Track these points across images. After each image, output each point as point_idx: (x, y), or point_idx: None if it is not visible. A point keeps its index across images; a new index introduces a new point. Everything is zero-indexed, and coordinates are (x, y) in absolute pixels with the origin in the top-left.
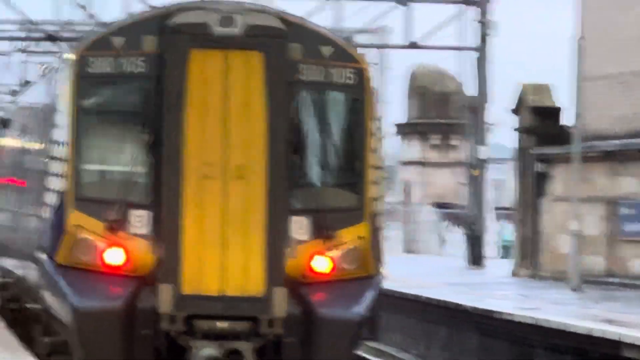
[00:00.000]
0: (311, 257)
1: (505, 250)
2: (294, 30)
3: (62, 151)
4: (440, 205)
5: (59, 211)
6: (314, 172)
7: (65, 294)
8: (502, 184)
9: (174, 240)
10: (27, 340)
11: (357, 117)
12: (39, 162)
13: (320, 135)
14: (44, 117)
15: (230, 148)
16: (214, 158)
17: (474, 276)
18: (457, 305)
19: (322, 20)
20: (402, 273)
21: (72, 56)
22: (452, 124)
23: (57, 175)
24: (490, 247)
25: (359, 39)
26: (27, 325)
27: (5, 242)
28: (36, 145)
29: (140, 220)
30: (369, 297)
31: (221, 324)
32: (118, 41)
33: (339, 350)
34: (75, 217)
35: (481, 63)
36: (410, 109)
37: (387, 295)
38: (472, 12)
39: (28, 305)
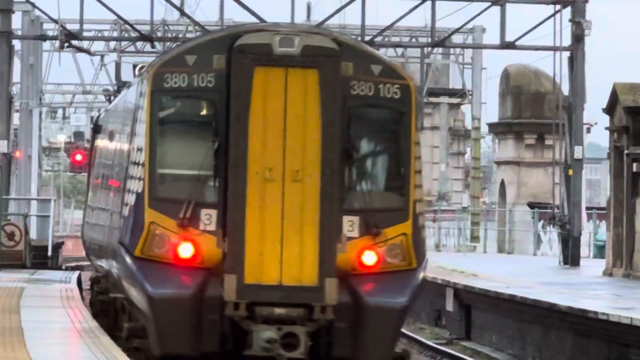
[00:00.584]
0: (360, 252)
1: (599, 250)
2: (347, 50)
3: (140, 156)
4: (534, 205)
5: (137, 210)
6: (364, 177)
7: (141, 283)
8: (597, 183)
9: (238, 236)
10: (114, 328)
11: (402, 128)
12: (122, 166)
13: (369, 143)
14: (127, 125)
15: (288, 154)
16: (274, 163)
17: (568, 276)
18: (552, 305)
19: (417, 20)
20: (497, 273)
21: (150, 71)
22: (547, 124)
23: (135, 177)
24: (583, 247)
25: (454, 38)
26: (115, 314)
27: (101, 239)
28: (120, 150)
29: (208, 218)
30: (411, 287)
31: (279, 310)
32: (191, 59)
33: (385, 335)
34: (150, 215)
35: (575, 63)
36: (504, 109)
37: (482, 295)
38: (568, 11)
39: (112, 295)
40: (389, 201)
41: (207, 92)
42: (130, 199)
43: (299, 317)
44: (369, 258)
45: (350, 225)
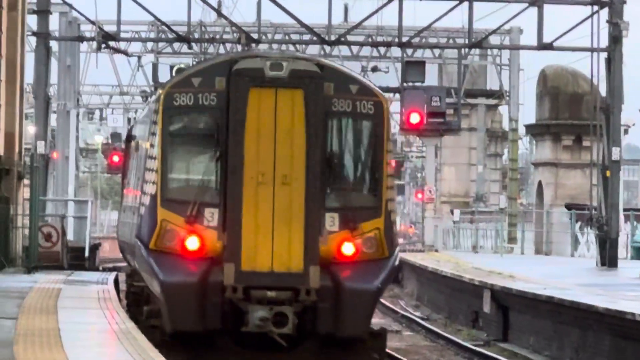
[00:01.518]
0: (340, 244)
1: (637, 252)
2: (328, 72)
3: (154, 164)
4: (572, 207)
5: (151, 209)
6: (343, 180)
7: (155, 271)
8: (634, 185)
9: (235, 231)
10: (141, 313)
11: (376, 138)
12: (141, 172)
13: (347, 152)
14: (146, 136)
15: (278, 161)
16: (266, 169)
17: (606, 277)
18: (590, 306)
19: (455, 21)
20: (535, 274)
21: (162, 91)
22: (585, 125)
23: (150, 182)
24: (621, 249)
25: (491, 39)
26: (141, 301)
27: (128, 236)
28: (140, 158)
29: (211, 216)
30: (383, 273)
31: (270, 293)
32: (196, 81)
33: (361, 313)
34: (162, 214)
35: (613, 64)
36: (541, 110)
37: (520, 297)
38: (605, 12)
39: (135, 284)
40: (365, 200)
41: (210, 109)
42: (146, 200)
43: (287, 299)
44: (348, 249)
45: (331, 221)
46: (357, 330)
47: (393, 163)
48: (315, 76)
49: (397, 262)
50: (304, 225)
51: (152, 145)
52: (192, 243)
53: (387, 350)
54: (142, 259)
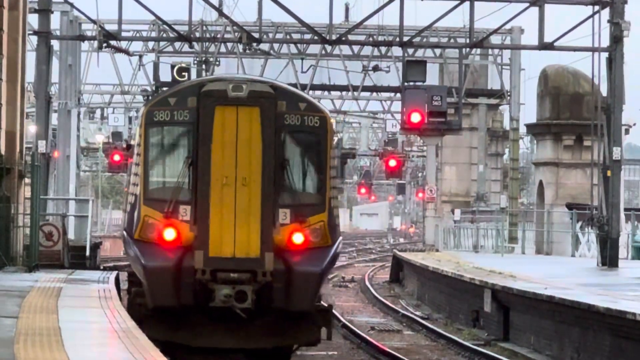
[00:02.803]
0: (291, 234)
1: (637, 252)
2: (281, 93)
3: (138, 169)
4: (573, 206)
5: (135, 206)
6: (294, 181)
7: (139, 257)
8: (635, 184)
9: (204, 224)
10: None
11: (321, 147)
12: (129, 175)
13: (297, 158)
14: (134, 146)
15: (239, 167)
16: (229, 173)
17: (607, 277)
18: (590, 306)
19: (456, 20)
20: (536, 274)
21: (144, 109)
22: (586, 125)
23: (135, 184)
24: (622, 248)
25: (492, 39)
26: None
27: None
28: (130, 164)
29: (184, 212)
30: (327, 259)
31: (233, 275)
32: (172, 100)
33: (309, 291)
34: (145, 210)
35: (614, 64)
36: (542, 110)
37: (520, 296)
38: (606, 12)
39: (128, 270)
40: (311, 198)
41: (183, 124)
42: (132, 199)
43: (247, 279)
44: (298, 238)
45: (284, 215)
46: (305, 306)
47: (336, 163)
48: (269, 96)
49: (339, 249)
50: (260, 219)
51: (137, 154)
52: (169, 234)
53: (387, 349)
54: (129, 247)
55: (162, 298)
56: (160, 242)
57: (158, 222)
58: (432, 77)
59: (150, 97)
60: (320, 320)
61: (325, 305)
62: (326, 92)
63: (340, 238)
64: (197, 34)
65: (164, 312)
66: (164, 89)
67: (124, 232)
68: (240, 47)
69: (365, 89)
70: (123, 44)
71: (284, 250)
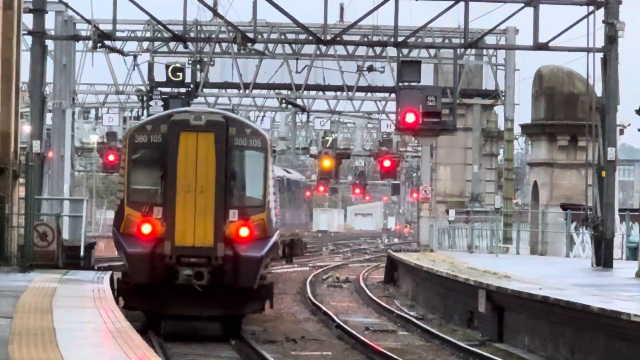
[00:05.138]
0: (238, 228)
1: (632, 252)
2: (232, 121)
3: (123, 179)
4: (567, 207)
5: (121, 207)
6: (240, 189)
7: (123, 246)
8: (630, 185)
9: (172, 221)
10: None
11: (262, 161)
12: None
13: (244, 171)
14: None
15: (198, 178)
16: (190, 182)
17: (601, 278)
18: (585, 306)
19: (450, 20)
20: (530, 274)
21: (128, 133)
22: (581, 125)
23: (121, 190)
24: (616, 249)
25: (487, 39)
26: None
27: None
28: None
29: (157, 211)
30: (266, 247)
31: (193, 259)
32: (149, 127)
33: (252, 272)
34: (128, 210)
35: (608, 64)
36: (537, 110)
37: (515, 297)
38: (601, 13)
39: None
40: (254, 202)
41: (157, 145)
42: (118, 202)
43: (203, 263)
44: (243, 232)
45: (232, 214)
46: (250, 283)
47: (272, 175)
48: (222, 124)
49: (275, 240)
50: (214, 217)
51: (122, 167)
52: (146, 228)
53: (382, 349)
54: (116, 238)
55: (140, 277)
56: (139, 235)
57: (138, 220)
58: (427, 77)
59: (144, 98)
60: (263, 294)
61: (266, 282)
62: (321, 92)
63: (278, 232)
64: (192, 34)
65: (142, 288)
66: (143, 118)
67: (113, 227)
68: (235, 47)
69: (360, 89)
70: (117, 44)
71: (232, 240)
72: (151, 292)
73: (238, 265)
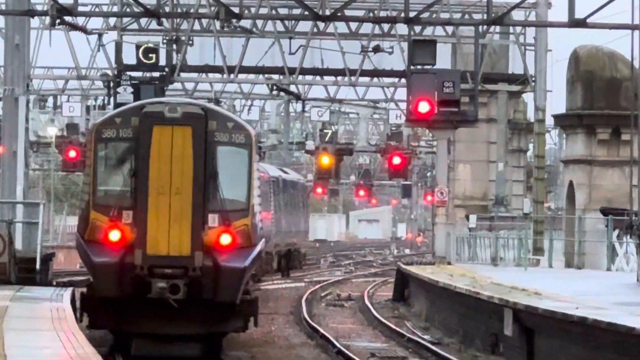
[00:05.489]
0: (219, 235)
1: None
2: (212, 114)
3: (89, 179)
4: (608, 212)
5: (86, 211)
6: (222, 190)
7: (88, 254)
8: None
9: (143, 226)
10: None
11: (246, 159)
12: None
13: (226, 170)
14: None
15: (173, 178)
16: (164, 183)
17: None
18: (630, 329)
19: None
20: (565, 291)
21: (94, 127)
22: (624, 116)
23: (86, 192)
24: None
25: (514, 15)
26: None
27: None
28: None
29: (127, 216)
30: (250, 257)
31: (167, 270)
32: (118, 120)
33: (234, 284)
34: (94, 214)
35: None
36: (573, 98)
37: (547, 317)
38: None
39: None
40: (237, 205)
41: (127, 140)
42: (83, 204)
43: (179, 274)
44: (225, 239)
45: (212, 219)
46: (231, 297)
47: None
48: (200, 117)
49: (261, 249)
50: (191, 222)
51: (87, 166)
52: (114, 235)
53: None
54: (80, 246)
55: (107, 290)
56: (106, 242)
57: (105, 225)
58: (443, 59)
59: (110, 84)
60: (247, 310)
61: (250, 297)
62: (318, 77)
63: (263, 239)
64: (167, 9)
65: (109, 303)
66: (110, 107)
67: (77, 233)
68: (218, 24)
69: (365, 73)
70: (80, 21)
71: (212, 249)
72: (120, 308)
73: (218, 277)
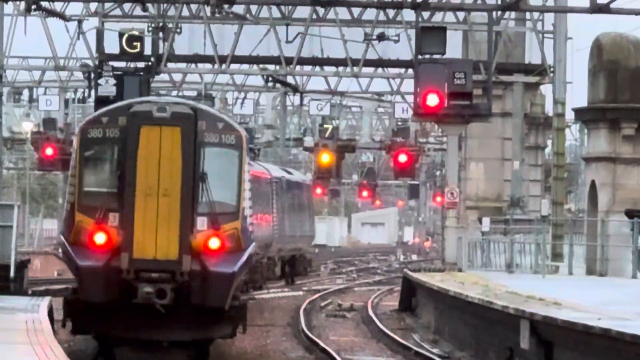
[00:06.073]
0: (207, 239)
1: None
2: (201, 114)
3: (74, 180)
4: (634, 214)
5: (71, 213)
6: (211, 193)
7: (73, 258)
8: None
9: (130, 229)
10: None
11: (236, 161)
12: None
13: (215, 172)
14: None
15: (161, 179)
16: (152, 184)
17: None
18: None
19: None
20: (586, 301)
21: (79, 127)
22: None
23: (70, 193)
24: None
25: (532, 0)
26: None
27: None
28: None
29: (113, 218)
30: (240, 261)
31: (154, 275)
32: (105, 119)
33: (223, 290)
34: (78, 216)
35: None
36: (595, 90)
37: (567, 329)
38: None
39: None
40: (226, 208)
41: (114, 140)
42: (68, 206)
43: (166, 279)
44: (214, 243)
45: (201, 222)
46: (220, 303)
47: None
48: (189, 117)
49: (251, 253)
50: (179, 225)
51: (73, 167)
52: (100, 238)
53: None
54: (64, 249)
55: (92, 294)
56: (92, 245)
57: (90, 227)
58: (454, 48)
59: (91, 75)
60: (236, 315)
61: (239, 303)
62: (318, 68)
63: (254, 243)
64: None
65: (94, 308)
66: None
67: (61, 236)
68: (208, 9)
69: (368, 63)
70: (58, 6)
71: (200, 253)
72: (105, 313)
73: (207, 281)
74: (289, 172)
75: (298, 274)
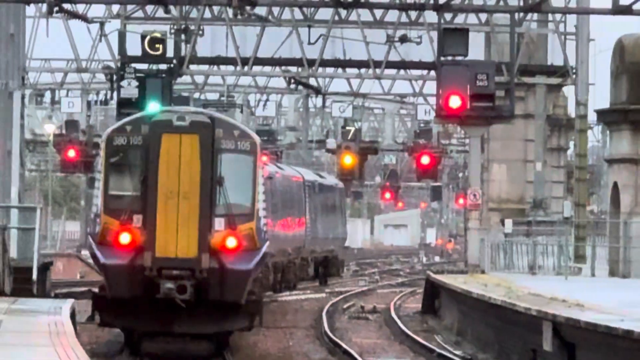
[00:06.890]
0: (224, 238)
1: None
2: (219, 122)
3: (99, 184)
4: None
5: (97, 215)
6: (227, 195)
7: (99, 257)
8: None
9: (152, 229)
10: None
11: (251, 165)
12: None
13: (231, 176)
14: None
15: (181, 183)
16: (173, 188)
17: None
18: None
19: None
20: (609, 302)
21: (105, 135)
22: None
23: (97, 196)
24: None
25: (553, 1)
26: None
27: None
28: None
29: (137, 219)
30: (255, 260)
31: (175, 272)
32: (129, 127)
33: (240, 286)
34: (105, 218)
35: None
36: (618, 91)
37: (590, 331)
38: None
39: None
40: (242, 209)
41: (137, 147)
42: (95, 209)
43: (186, 275)
44: (231, 242)
45: (219, 223)
46: (237, 298)
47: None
48: (207, 126)
49: (265, 251)
50: (198, 225)
51: (99, 172)
52: (124, 238)
53: None
54: (91, 249)
55: (118, 290)
56: (117, 244)
57: (115, 228)
58: (476, 50)
59: (113, 77)
60: (252, 310)
61: (255, 298)
62: (340, 70)
63: (268, 242)
64: None
65: (120, 303)
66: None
67: (89, 236)
68: (230, 12)
69: (390, 65)
70: (80, 8)
71: (218, 251)
72: (129, 307)
73: (224, 278)
74: (321, 176)
75: (330, 275)
